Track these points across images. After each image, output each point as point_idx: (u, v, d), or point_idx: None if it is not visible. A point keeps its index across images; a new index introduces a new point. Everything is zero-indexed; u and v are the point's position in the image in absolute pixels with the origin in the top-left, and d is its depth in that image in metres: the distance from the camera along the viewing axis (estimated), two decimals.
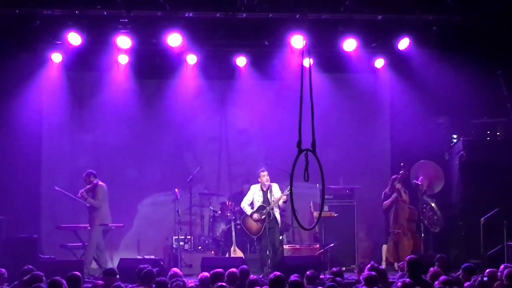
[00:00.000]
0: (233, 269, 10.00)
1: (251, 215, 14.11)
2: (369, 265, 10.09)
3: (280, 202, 13.93)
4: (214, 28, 14.54)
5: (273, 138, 16.28)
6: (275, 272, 9.11)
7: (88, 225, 14.39)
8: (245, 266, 10.72)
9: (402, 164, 15.08)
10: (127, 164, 16.27)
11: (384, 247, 15.01)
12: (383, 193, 15.03)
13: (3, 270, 10.39)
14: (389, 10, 14.17)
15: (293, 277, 9.12)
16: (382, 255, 14.99)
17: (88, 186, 14.23)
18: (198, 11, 14.08)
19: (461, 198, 15.50)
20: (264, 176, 14.05)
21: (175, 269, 10.78)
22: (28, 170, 15.75)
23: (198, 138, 16.70)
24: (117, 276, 10.54)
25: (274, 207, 13.93)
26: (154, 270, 10.23)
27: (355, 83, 16.62)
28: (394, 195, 14.76)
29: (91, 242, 14.14)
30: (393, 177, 15.08)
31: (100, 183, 14.31)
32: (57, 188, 14.80)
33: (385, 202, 14.91)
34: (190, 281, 10.38)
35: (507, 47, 14.59)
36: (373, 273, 9.31)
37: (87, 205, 14.22)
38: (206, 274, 10.16)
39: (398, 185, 14.85)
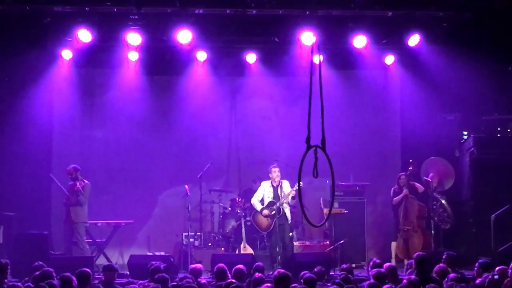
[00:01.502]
0: (240, 266, 10.00)
1: (261, 211, 14.12)
2: (371, 262, 10.09)
3: (289, 198, 13.91)
4: (224, 24, 14.53)
5: (283, 134, 16.28)
6: (279, 270, 9.12)
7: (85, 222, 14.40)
8: (260, 264, 10.72)
9: (411, 160, 15.07)
10: (137, 160, 16.29)
11: (393, 244, 14.98)
12: (392, 189, 15.01)
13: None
14: (399, 7, 14.14)
15: (308, 274, 9.14)
16: (392, 252, 14.97)
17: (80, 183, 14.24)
18: (208, 7, 14.09)
19: (471, 195, 15.45)
20: (275, 172, 14.03)
21: (199, 265, 10.76)
22: (39, 167, 15.77)
23: (208, 135, 16.69)
24: (117, 272, 10.57)
25: (284, 203, 13.92)
26: (162, 266, 10.27)
27: (365, 80, 16.60)
28: (405, 191, 14.72)
29: (80, 238, 14.14)
30: (400, 174, 15.06)
31: (85, 181, 14.31)
32: (51, 176, 14.75)
33: (394, 198, 14.88)
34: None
35: None
36: (382, 269, 9.31)
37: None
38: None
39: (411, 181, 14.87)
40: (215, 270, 10.04)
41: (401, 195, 14.75)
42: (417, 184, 14.86)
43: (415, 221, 14.75)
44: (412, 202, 14.80)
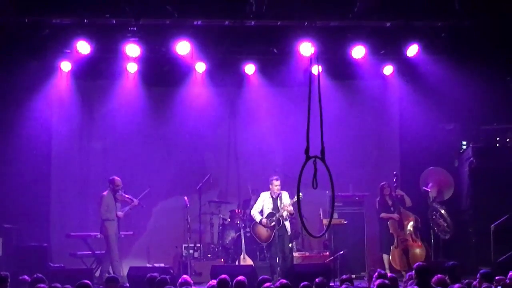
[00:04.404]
0: (241, 277, 9.94)
1: (260, 222, 14.10)
2: (376, 273, 10.05)
3: (285, 214, 13.90)
4: (222, 35, 14.55)
5: (282, 145, 16.28)
6: (282, 280, 9.09)
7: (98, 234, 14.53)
8: (265, 276, 10.66)
9: (395, 172, 15.13)
10: (136, 172, 16.25)
11: (385, 256, 14.90)
12: (377, 201, 15.02)
13: (27, 277, 10.31)
14: (398, 17, 14.14)
15: (304, 283, 9.14)
16: (385, 264, 14.88)
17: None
18: (207, 19, 14.08)
19: (471, 205, 15.44)
20: (276, 185, 14.02)
21: (186, 277, 10.74)
22: (38, 179, 15.75)
23: (207, 146, 16.68)
24: (119, 283, 10.52)
25: (283, 214, 13.91)
26: (167, 277, 10.20)
27: (364, 90, 16.60)
28: (396, 215, 14.73)
29: None
30: (382, 184, 15.05)
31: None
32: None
33: (383, 214, 14.88)
34: None
35: None
36: (387, 281, 9.25)
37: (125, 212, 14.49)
38: (214, 282, 10.12)
39: (399, 191, 14.87)
40: (217, 281, 9.95)
41: (391, 216, 14.75)
42: (407, 198, 14.89)
43: (412, 232, 14.77)
44: (406, 212, 14.83)
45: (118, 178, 14.39)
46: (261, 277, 10.43)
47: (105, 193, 14.31)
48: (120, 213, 14.31)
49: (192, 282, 10.60)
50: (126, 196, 14.43)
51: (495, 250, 14.09)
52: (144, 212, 15.99)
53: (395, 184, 14.97)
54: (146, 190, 14.80)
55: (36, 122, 15.66)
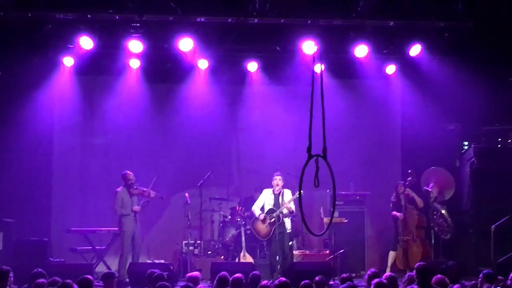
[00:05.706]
0: (239, 274, 9.95)
1: (260, 217, 14.10)
2: (369, 272, 10.05)
3: (285, 211, 13.88)
4: (225, 33, 14.55)
5: (284, 143, 16.26)
6: (281, 278, 9.09)
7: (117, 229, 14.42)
8: (256, 272, 10.69)
9: (410, 171, 15.07)
10: (138, 168, 16.19)
11: (392, 253, 14.91)
12: (391, 202, 14.98)
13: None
14: (401, 16, 14.14)
15: (305, 281, 9.16)
16: (388, 262, 14.88)
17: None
18: (210, 15, 14.08)
19: (472, 205, 15.45)
20: (275, 180, 13.99)
21: (197, 273, 10.69)
22: (39, 174, 15.79)
23: (208, 143, 16.66)
24: (116, 279, 10.51)
25: (283, 211, 13.90)
26: (165, 274, 10.20)
27: (366, 89, 16.60)
28: (401, 215, 14.70)
29: None
30: (398, 183, 15.02)
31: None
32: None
33: (393, 212, 14.85)
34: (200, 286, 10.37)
35: None
36: (385, 281, 9.26)
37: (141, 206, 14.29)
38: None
39: (408, 191, 14.82)
40: (217, 278, 9.97)
41: (398, 215, 14.71)
42: (417, 198, 14.84)
43: (415, 231, 14.76)
44: (411, 212, 14.81)
45: (130, 172, 14.20)
46: (252, 274, 10.42)
47: (119, 189, 14.17)
48: (136, 207, 14.12)
49: (200, 281, 10.57)
50: (142, 189, 14.28)
51: (495, 251, 14.06)
52: (144, 208, 16.01)
53: (406, 183, 14.91)
54: (154, 179, 14.56)
55: (38, 117, 15.68)
